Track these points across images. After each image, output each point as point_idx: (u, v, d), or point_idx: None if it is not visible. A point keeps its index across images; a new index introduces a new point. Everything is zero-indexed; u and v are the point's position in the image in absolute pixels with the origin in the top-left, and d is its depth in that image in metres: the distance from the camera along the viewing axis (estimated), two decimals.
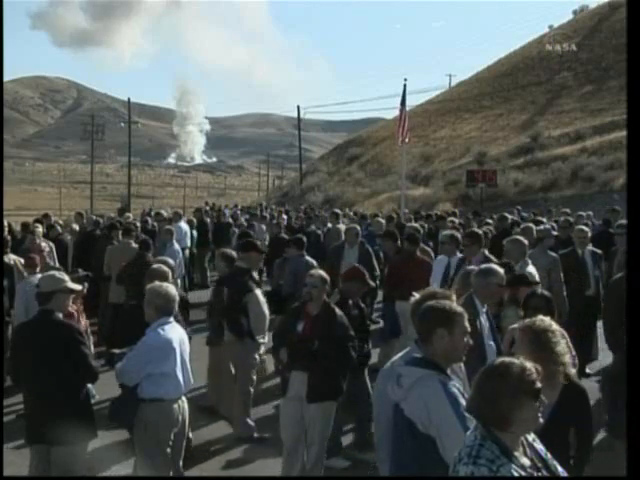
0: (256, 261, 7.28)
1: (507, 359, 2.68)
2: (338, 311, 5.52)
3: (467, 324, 3.37)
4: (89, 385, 4.95)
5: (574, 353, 4.94)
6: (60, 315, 4.80)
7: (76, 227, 13.68)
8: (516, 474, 2.50)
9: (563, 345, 3.59)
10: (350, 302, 6.11)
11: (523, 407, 2.53)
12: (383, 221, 13.35)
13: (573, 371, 3.71)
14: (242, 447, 6.59)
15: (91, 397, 5.19)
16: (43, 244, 9.36)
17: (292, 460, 5.50)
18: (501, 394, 2.53)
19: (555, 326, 3.66)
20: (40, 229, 11.25)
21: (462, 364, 3.59)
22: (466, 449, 2.57)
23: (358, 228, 10.55)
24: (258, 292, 6.84)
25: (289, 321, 5.60)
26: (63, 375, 4.62)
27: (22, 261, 8.46)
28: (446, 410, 3.08)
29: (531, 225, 9.64)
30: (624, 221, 10.20)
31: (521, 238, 7.51)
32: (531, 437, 2.73)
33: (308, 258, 8.75)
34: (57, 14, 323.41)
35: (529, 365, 2.61)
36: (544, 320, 3.67)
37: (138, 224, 14.16)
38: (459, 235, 8.33)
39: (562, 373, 3.60)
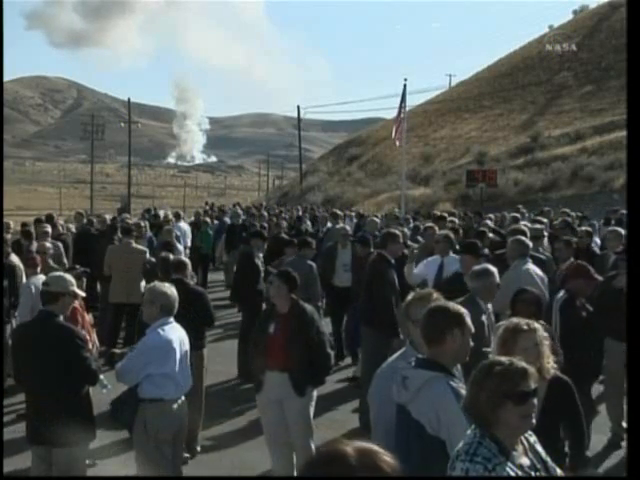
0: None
1: (497, 359, 2.67)
2: (309, 308, 5.47)
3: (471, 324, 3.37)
4: (101, 376, 4.93)
5: (561, 351, 5.00)
6: (61, 317, 4.79)
7: (72, 227, 13.64)
8: (512, 473, 2.50)
9: (532, 345, 3.63)
10: (578, 302, 5.71)
11: (501, 409, 2.52)
12: (378, 220, 13.33)
13: (553, 367, 3.74)
14: (242, 447, 6.59)
15: (103, 388, 5.15)
16: (47, 245, 9.29)
17: (282, 462, 5.50)
18: (481, 393, 2.54)
19: (535, 325, 3.71)
20: (49, 229, 11.26)
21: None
22: (464, 446, 2.57)
23: (348, 228, 10.55)
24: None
25: (262, 322, 5.58)
26: (63, 377, 4.61)
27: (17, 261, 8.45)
28: (455, 411, 3.05)
29: (521, 227, 9.49)
30: None
31: (523, 238, 7.46)
32: (532, 439, 2.73)
33: (308, 261, 8.70)
34: (52, 15, 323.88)
35: (517, 365, 2.58)
36: (512, 322, 3.72)
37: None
38: (452, 235, 8.37)
39: (546, 369, 3.65)
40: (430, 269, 7.94)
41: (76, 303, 6.32)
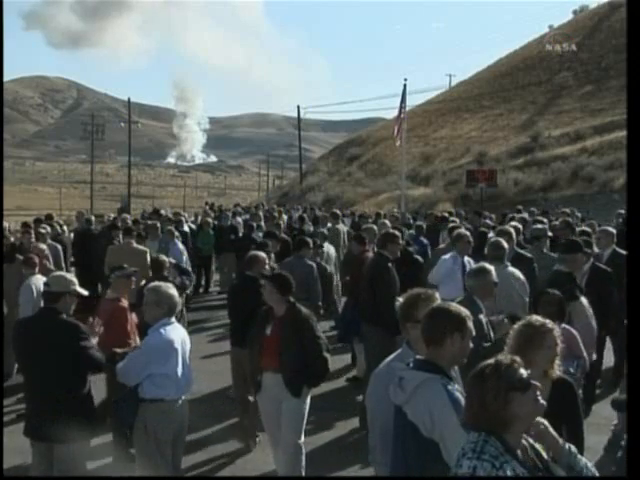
0: (580, 264, 6.80)
1: (484, 363, 2.65)
2: (304, 312, 5.47)
3: (472, 327, 3.34)
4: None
5: (585, 356, 5.00)
6: (64, 315, 4.79)
7: (65, 228, 13.63)
8: (519, 472, 2.50)
9: (554, 344, 3.64)
10: None
11: (512, 403, 2.52)
12: (388, 222, 13.28)
13: (559, 371, 3.74)
14: (242, 447, 6.59)
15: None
16: (43, 247, 9.25)
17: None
18: (486, 398, 2.52)
19: (551, 325, 3.71)
20: (48, 230, 11.23)
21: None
22: (470, 444, 2.56)
23: (376, 228, 10.52)
24: (584, 300, 6.15)
25: (259, 324, 5.60)
26: (64, 373, 4.62)
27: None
28: (449, 414, 3.04)
29: (508, 228, 9.35)
30: None
31: (499, 240, 7.36)
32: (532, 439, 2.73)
33: (307, 261, 8.66)
34: (49, 15, 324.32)
35: (505, 360, 2.59)
36: (538, 319, 3.73)
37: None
38: (469, 234, 8.36)
39: (552, 370, 3.66)
40: (454, 268, 7.89)
41: (124, 302, 6.36)
